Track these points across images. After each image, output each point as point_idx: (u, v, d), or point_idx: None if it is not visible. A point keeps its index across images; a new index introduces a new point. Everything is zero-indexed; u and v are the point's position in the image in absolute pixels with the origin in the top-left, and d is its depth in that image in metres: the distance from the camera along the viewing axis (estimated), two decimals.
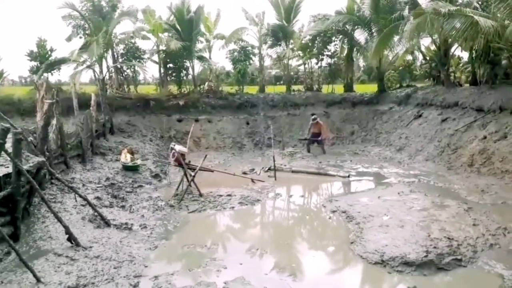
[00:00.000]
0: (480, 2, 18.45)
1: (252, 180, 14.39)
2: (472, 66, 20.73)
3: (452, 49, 21.21)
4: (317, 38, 26.68)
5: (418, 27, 16.50)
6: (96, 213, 9.25)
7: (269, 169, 16.10)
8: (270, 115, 24.09)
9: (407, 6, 21.96)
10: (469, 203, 10.84)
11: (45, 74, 22.94)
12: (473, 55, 19.99)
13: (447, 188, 12.79)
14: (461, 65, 24.91)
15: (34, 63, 24.36)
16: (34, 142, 9.99)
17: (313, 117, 20.58)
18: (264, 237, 10.10)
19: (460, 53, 25.35)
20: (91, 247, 7.74)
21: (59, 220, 7.60)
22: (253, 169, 16.57)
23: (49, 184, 10.16)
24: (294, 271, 7.50)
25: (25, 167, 7.59)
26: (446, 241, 7.96)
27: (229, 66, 28.92)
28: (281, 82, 34.28)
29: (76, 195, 9.51)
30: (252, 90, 28.44)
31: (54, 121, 11.63)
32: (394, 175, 15.17)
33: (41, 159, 8.66)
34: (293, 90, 27.85)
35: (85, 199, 9.22)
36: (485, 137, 14.82)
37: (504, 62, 18.42)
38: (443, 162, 15.78)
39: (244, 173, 15.87)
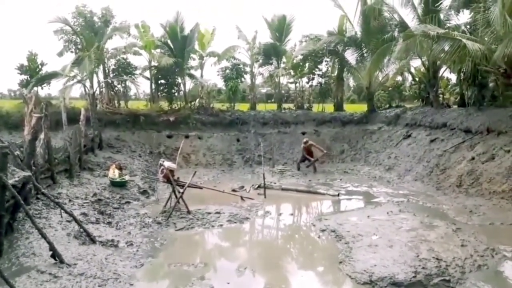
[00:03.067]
0: (468, 26, 18.85)
1: (242, 198, 14.30)
2: (460, 88, 21.09)
3: (441, 71, 21.57)
4: (308, 57, 26.97)
5: (407, 48, 16.81)
6: (81, 230, 9.09)
7: (259, 186, 16.04)
8: (260, 132, 24.13)
9: (396, 28, 22.35)
10: (458, 223, 10.87)
11: (35, 88, 22.79)
12: (461, 77, 20.34)
13: (435, 208, 12.83)
14: (449, 86, 25.32)
15: (24, 77, 24.22)
16: (20, 156, 9.85)
17: (304, 140, 20.57)
18: (252, 256, 9.98)
19: (448, 74, 25.82)
20: (75, 264, 7.56)
21: (44, 236, 7.45)
22: (243, 187, 16.49)
23: (34, 199, 9.99)
24: None
25: (11, 181, 7.46)
26: (435, 261, 7.93)
27: (220, 83, 29.12)
28: (272, 100, 34.46)
29: (62, 211, 9.35)
30: (243, 107, 28.57)
31: (42, 136, 11.51)
32: (384, 194, 15.20)
33: (27, 173, 8.52)
34: (284, 108, 28.02)
35: (71, 215, 9.06)
36: (473, 158, 14.96)
37: (491, 84, 18.79)
38: (432, 182, 15.86)
39: (234, 190, 15.76)
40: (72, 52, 24.69)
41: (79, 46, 24.10)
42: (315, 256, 9.81)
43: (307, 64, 27.59)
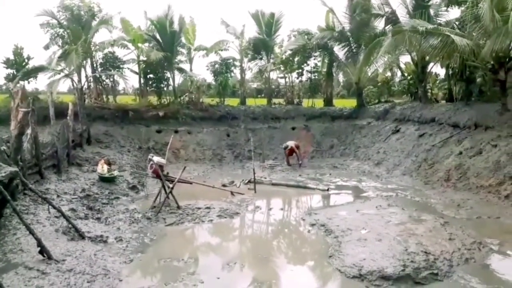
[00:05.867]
0: (457, 22, 18.99)
1: (232, 193, 14.30)
2: (449, 83, 21.26)
3: (429, 66, 21.71)
4: (297, 53, 26.90)
5: (396, 43, 16.90)
6: (70, 225, 9.01)
7: (249, 181, 16.05)
8: (250, 127, 24.10)
9: (383, 19, 22.37)
10: (445, 217, 11.00)
11: (21, 82, 22.43)
12: (450, 73, 20.52)
13: (424, 203, 12.96)
14: (438, 82, 25.47)
15: (10, 71, 23.80)
16: (7, 152, 9.71)
17: (284, 145, 20.59)
18: (242, 251, 10.01)
19: (437, 69, 25.98)
20: (64, 260, 7.49)
21: (31, 232, 7.36)
22: (233, 182, 16.49)
23: (21, 195, 9.87)
24: (272, 285, 7.43)
25: None
26: (423, 255, 8.01)
27: (210, 78, 28.97)
28: (262, 95, 34.44)
29: (50, 207, 9.24)
30: (233, 102, 28.47)
31: (29, 130, 11.35)
32: (372, 189, 15.31)
33: (14, 169, 8.39)
34: (274, 103, 28.02)
35: (59, 210, 8.97)
36: (460, 153, 15.14)
37: (479, 80, 18.97)
38: (420, 177, 16.01)
39: (224, 185, 15.77)
40: (59, 46, 24.35)
41: (67, 40, 23.77)
42: (305, 250, 9.86)
43: (296, 59, 27.57)
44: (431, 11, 20.12)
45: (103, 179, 14.19)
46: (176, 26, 25.11)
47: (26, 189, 9.80)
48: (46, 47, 24.61)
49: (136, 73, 26.33)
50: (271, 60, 27.79)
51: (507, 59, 15.41)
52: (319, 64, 28.67)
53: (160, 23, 25.02)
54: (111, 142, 20.53)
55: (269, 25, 27.19)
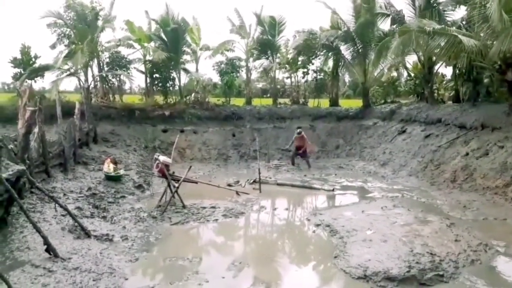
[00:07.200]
0: (464, 22, 18.87)
1: (237, 193, 14.30)
2: (455, 83, 21.13)
3: (436, 67, 21.60)
4: (301, 52, 26.84)
5: (403, 44, 16.83)
6: (76, 224, 9.06)
7: (254, 181, 16.05)
8: (256, 127, 24.11)
9: (388, 19, 22.29)
10: (451, 218, 10.93)
11: (28, 81, 22.57)
12: (456, 73, 20.39)
13: (430, 204, 12.89)
14: (444, 82, 25.34)
15: (17, 70, 23.97)
16: (14, 150, 9.78)
17: (298, 130, 20.60)
18: (247, 250, 10.01)
19: (443, 69, 25.84)
20: (70, 258, 7.54)
21: (38, 230, 7.41)
22: (238, 181, 16.50)
23: (28, 193, 9.93)
24: (276, 285, 7.43)
25: (4, 175, 7.41)
26: (429, 256, 7.98)
27: (216, 78, 29.05)
28: (268, 95, 34.43)
29: (56, 205, 9.30)
30: (239, 102, 28.50)
31: (36, 129, 11.43)
32: (378, 189, 15.25)
33: (21, 167, 8.46)
34: (280, 103, 27.99)
35: (65, 209, 9.02)
36: (467, 154, 15.05)
37: (486, 80, 18.83)
38: (426, 178, 15.93)
39: (229, 185, 15.78)
40: (66, 46, 24.47)
41: (75, 40, 23.88)
42: (310, 250, 9.84)
43: (300, 58, 27.52)
44: (441, 8, 19.95)
45: (109, 178, 14.25)
46: (180, 26, 25.11)
47: (33, 187, 9.86)
48: (53, 46, 24.79)
49: (142, 72, 26.48)
50: (277, 60, 27.78)
51: None
52: (323, 63, 28.63)
53: (164, 23, 25.09)
54: (117, 141, 20.63)
55: (272, 27, 27.18)
